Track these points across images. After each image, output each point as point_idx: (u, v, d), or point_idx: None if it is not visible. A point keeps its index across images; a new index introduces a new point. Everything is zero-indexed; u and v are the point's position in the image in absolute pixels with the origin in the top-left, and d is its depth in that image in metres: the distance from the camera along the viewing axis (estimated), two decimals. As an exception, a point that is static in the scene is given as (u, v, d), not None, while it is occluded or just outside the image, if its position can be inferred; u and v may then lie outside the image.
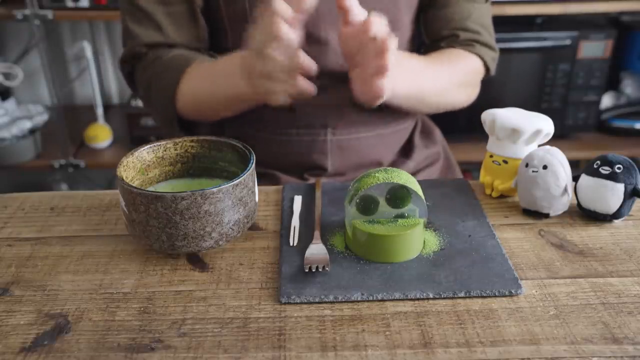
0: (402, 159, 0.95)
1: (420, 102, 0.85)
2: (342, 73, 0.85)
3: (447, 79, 0.87)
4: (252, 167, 0.60)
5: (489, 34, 0.94)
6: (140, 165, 0.64)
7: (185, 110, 0.86)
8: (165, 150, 0.66)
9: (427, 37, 0.95)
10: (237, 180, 0.58)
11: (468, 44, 0.91)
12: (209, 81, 0.81)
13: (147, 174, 0.65)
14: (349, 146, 0.90)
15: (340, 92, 0.85)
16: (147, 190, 0.56)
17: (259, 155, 0.92)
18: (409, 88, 0.80)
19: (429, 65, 0.86)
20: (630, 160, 0.64)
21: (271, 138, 0.89)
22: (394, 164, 0.94)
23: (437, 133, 1.04)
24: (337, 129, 0.88)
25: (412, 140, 0.97)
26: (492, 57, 0.94)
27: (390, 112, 0.89)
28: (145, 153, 0.65)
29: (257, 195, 0.63)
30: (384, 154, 0.93)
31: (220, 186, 0.57)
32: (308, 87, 0.69)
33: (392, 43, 0.65)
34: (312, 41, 0.82)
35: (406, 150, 0.97)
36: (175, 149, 0.66)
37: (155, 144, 0.65)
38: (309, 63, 0.67)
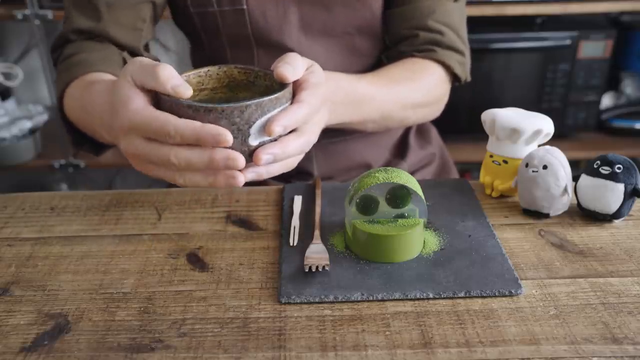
0: (396, 160, 0.93)
1: (363, 127, 0.79)
2: None
3: (399, 103, 0.79)
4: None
5: (455, 35, 0.84)
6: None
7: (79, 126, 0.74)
8: (207, 76, 0.61)
9: (388, 39, 0.86)
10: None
11: (428, 50, 0.82)
12: (79, 103, 0.69)
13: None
14: (335, 150, 0.88)
15: None
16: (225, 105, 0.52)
17: None
18: (349, 118, 0.74)
19: (378, 89, 0.77)
20: (630, 160, 0.64)
21: None
22: (386, 166, 0.92)
23: (434, 133, 1.01)
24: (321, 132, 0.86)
25: (406, 141, 0.95)
26: (459, 60, 0.84)
27: None
28: (192, 78, 0.60)
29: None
30: (374, 156, 0.90)
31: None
32: (235, 184, 0.53)
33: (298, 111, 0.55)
34: (280, 50, 0.80)
35: (400, 151, 0.94)
36: (218, 74, 0.61)
37: (199, 70, 0.60)
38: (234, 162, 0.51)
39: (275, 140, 0.54)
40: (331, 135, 0.85)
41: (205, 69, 0.60)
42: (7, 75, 1.84)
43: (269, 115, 0.53)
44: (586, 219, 0.66)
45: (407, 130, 0.96)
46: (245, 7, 0.79)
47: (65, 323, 0.53)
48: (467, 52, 0.87)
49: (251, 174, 0.54)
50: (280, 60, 0.57)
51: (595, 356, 0.48)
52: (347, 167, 0.88)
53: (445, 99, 0.88)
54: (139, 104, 0.52)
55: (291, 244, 0.62)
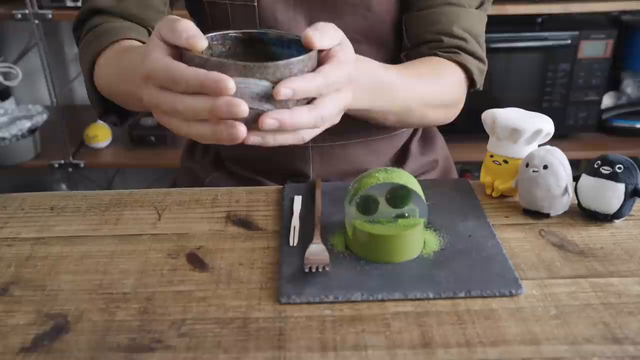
0: (394, 167, 0.91)
1: (383, 118, 0.76)
2: None
3: (422, 99, 0.77)
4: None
5: (477, 44, 0.84)
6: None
7: (107, 95, 0.75)
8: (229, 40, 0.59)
9: (408, 41, 0.85)
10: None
11: (452, 52, 0.81)
12: (114, 70, 0.70)
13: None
14: (333, 154, 0.86)
15: None
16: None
17: (243, 160, 0.91)
18: (371, 105, 0.70)
19: (404, 81, 0.74)
20: (631, 160, 0.64)
21: None
22: None
23: (439, 140, 0.99)
24: (318, 135, 0.85)
25: (407, 148, 0.93)
26: (479, 68, 0.84)
27: None
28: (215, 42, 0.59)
29: None
30: (372, 162, 0.89)
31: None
32: (235, 135, 0.50)
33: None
34: None
35: (399, 158, 0.92)
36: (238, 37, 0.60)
37: (226, 32, 0.59)
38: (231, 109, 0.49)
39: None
40: (331, 139, 0.85)
41: (233, 32, 0.59)
42: (7, 75, 1.84)
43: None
44: (587, 219, 0.66)
45: (410, 138, 0.94)
46: (256, 4, 0.79)
47: (65, 323, 0.53)
48: (486, 61, 0.86)
49: (256, 137, 0.52)
50: (312, 25, 0.55)
51: (595, 356, 0.48)
52: (344, 172, 0.87)
53: (461, 104, 0.86)
54: (158, 54, 0.52)
55: (291, 244, 0.62)
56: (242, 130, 0.50)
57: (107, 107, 0.77)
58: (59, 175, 2.01)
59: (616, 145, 1.79)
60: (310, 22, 0.80)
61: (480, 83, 0.86)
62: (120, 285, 0.58)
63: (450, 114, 0.85)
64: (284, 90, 0.50)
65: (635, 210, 0.67)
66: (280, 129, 0.51)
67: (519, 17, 1.65)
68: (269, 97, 0.51)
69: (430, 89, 0.78)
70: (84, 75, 0.77)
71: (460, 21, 0.82)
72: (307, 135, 0.55)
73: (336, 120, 0.58)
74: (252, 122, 0.51)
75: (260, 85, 0.50)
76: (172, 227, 0.67)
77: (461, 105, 0.86)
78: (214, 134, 0.51)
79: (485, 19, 0.87)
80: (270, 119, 0.50)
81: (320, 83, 0.53)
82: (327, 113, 0.54)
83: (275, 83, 0.50)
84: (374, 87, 0.70)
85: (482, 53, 0.85)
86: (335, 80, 0.54)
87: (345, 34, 0.84)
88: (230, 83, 0.48)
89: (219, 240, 0.64)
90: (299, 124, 0.52)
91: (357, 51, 0.83)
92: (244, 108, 0.49)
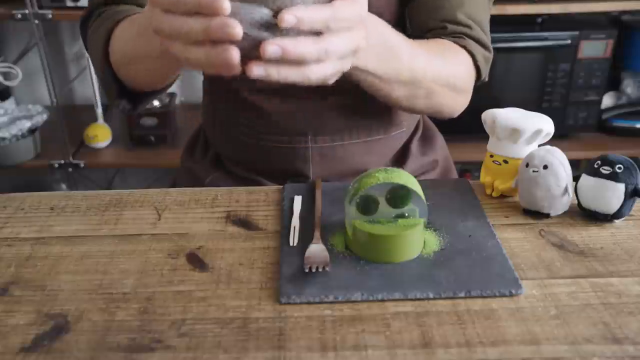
0: (394, 167, 0.90)
1: (389, 88, 0.71)
2: None
3: (430, 72, 0.73)
4: None
5: (482, 32, 0.82)
6: None
7: (120, 72, 0.74)
8: None
9: (411, 29, 0.84)
10: None
11: (457, 37, 0.79)
12: (129, 33, 0.69)
13: None
14: (333, 154, 0.86)
15: (318, 99, 0.82)
16: None
17: (243, 160, 0.91)
18: (377, 67, 0.66)
19: (413, 49, 0.70)
20: (631, 160, 0.64)
21: (252, 143, 0.87)
22: None
23: (439, 140, 0.98)
24: (318, 136, 0.84)
25: (408, 148, 0.92)
26: (485, 56, 0.82)
27: (379, 119, 0.86)
28: None
29: None
30: (372, 162, 0.88)
31: None
32: (228, 59, 0.48)
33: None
34: None
35: (399, 158, 0.92)
36: None
37: None
38: (226, 25, 0.47)
39: None
40: (331, 139, 0.85)
41: None
42: (7, 75, 1.84)
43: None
44: (587, 219, 0.66)
45: (410, 138, 0.93)
46: None
47: (65, 323, 0.53)
48: (492, 50, 0.84)
49: (259, 68, 0.50)
50: None
51: (595, 356, 0.48)
52: (343, 173, 0.87)
53: (468, 94, 0.83)
54: None
55: (291, 244, 0.62)
56: (234, 55, 0.48)
57: (120, 90, 0.75)
58: (59, 175, 2.01)
59: (616, 145, 1.79)
60: None
61: (485, 72, 0.83)
62: (120, 285, 0.58)
63: (457, 102, 0.81)
64: (288, 17, 0.48)
65: (635, 210, 0.67)
66: (283, 59, 0.49)
67: (519, 17, 1.65)
68: (269, 26, 0.49)
69: (439, 63, 0.75)
70: (94, 60, 0.75)
71: (464, 7, 0.80)
72: (313, 74, 0.51)
73: (346, 65, 0.54)
74: (253, 51, 0.49)
75: (261, 12, 0.48)
76: (172, 227, 0.67)
77: (468, 96, 0.83)
78: (207, 57, 0.49)
79: (490, 8, 0.85)
80: (272, 46, 0.48)
81: (328, 15, 0.50)
82: (335, 49, 0.51)
83: (277, 12, 0.48)
84: (382, 50, 0.66)
85: (487, 41, 0.83)
86: (345, 16, 0.51)
87: None
88: (225, 3, 0.46)
89: (219, 240, 0.64)
90: (303, 53, 0.49)
91: None
92: (238, 30, 0.47)
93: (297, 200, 0.70)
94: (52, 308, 0.55)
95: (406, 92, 0.73)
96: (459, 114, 0.83)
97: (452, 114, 0.82)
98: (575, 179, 0.66)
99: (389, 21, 0.76)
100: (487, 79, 0.85)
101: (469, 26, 0.81)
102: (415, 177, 0.90)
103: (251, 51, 0.49)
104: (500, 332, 0.51)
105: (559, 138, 1.73)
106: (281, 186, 0.75)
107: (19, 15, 1.63)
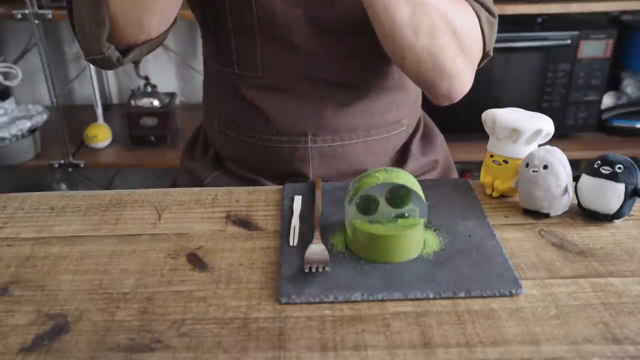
0: (394, 167, 0.88)
1: (392, 15, 0.68)
2: (317, 79, 0.82)
3: (435, 2, 0.69)
4: None
5: None
6: None
7: (112, 12, 0.69)
8: None
9: None
10: None
11: None
12: None
13: None
14: (333, 154, 0.86)
15: (318, 98, 0.82)
16: None
17: (243, 160, 0.91)
18: None
19: None
20: (631, 160, 0.64)
21: (252, 143, 0.87)
22: None
23: (439, 140, 0.98)
24: (318, 136, 0.84)
25: (408, 148, 0.92)
26: (489, 20, 0.76)
27: (379, 118, 0.86)
28: None
29: None
30: (372, 162, 0.88)
31: None
32: None
33: None
34: (285, 47, 0.80)
35: (399, 158, 0.92)
36: None
37: None
38: None
39: None
40: (331, 139, 0.85)
41: None
42: (7, 75, 1.84)
43: None
44: (587, 219, 0.66)
45: (411, 138, 0.93)
46: None
47: (65, 323, 0.53)
48: (496, 16, 0.79)
49: None
50: None
51: (595, 356, 0.48)
52: (343, 172, 0.87)
53: (473, 61, 0.77)
54: None
55: (291, 244, 0.62)
56: None
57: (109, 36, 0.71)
58: (59, 175, 2.01)
59: (616, 145, 1.79)
60: (307, 13, 0.80)
61: (490, 42, 0.78)
62: (120, 285, 0.58)
63: (460, 60, 0.75)
64: None
65: (635, 210, 0.67)
66: None
67: (519, 17, 1.65)
68: None
69: (449, 9, 0.71)
70: (82, 6, 0.70)
71: None
72: None
73: None
74: None
75: None
76: (172, 227, 0.67)
77: (472, 63, 0.77)
78: None
79: None
80: None
81: None
82: None
83: None
84: None
85: (491, 5, 0.77)
86: None
87: (343, 25, 0.81)
88: None
89: (219, 240, 0.64)
90: None
91: (355, 44, 0.83)
92: None
93: (297, 200, 0.70)
94: (52, 308, 0.55)
95: (410, 14, 0.69)
96: (461, 95, 0.78)
97: (451, 76, 0.75)
98: (575, 179, 0.66)
99: None
100: (491, 54, 0.80)
101: None
102: (416, 177, 0.90)
103: None
104: (500, 332, 0.51)
105: (559, 138, 1.73)
106: (281, 186, 0.75)
107: (19, 15, 1.63)
